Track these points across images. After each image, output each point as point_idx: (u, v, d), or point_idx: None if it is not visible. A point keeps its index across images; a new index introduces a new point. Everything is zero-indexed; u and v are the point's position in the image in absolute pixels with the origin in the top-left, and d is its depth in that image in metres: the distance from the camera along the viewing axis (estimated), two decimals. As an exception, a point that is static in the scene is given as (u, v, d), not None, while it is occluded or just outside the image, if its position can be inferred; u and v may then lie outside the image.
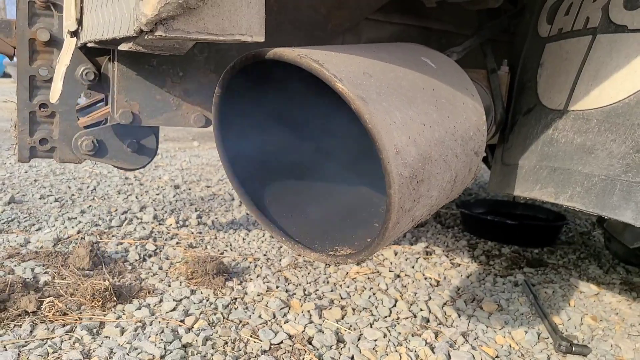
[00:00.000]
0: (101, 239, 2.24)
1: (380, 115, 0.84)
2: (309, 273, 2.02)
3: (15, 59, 1.74)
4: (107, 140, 1.76)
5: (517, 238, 2.51)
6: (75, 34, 1.37)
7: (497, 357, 1.51)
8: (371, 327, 1.63)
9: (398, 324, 1.66)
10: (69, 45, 1.33)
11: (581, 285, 2.07)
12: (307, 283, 1.93)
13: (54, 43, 1.71)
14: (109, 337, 1.46)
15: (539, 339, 1.62)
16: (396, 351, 1.50)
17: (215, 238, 2.37)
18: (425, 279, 2.04)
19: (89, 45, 1.20)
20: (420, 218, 1.01)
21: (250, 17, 0.76)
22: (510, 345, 1.58)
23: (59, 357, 1.34)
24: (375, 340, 1.55)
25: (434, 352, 1.49)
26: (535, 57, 1.47)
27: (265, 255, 2.19)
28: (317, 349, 1.48)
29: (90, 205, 2.76)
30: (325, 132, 1.23)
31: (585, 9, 1.34)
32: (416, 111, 0.93)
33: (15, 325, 1.48)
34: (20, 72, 1.69)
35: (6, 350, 1.35)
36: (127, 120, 1.43)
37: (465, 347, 1.54)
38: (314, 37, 1.55)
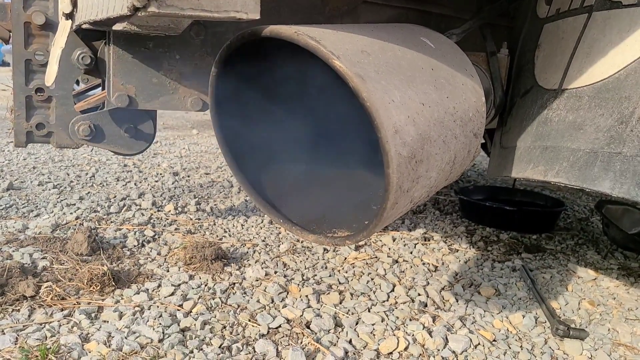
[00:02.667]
0: (100, 225, 2.24)
1: (378, 94, 0.83)
2: (307, 258, 2.03)
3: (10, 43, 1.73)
4: (104, 125, 1.75)
5: (515, 224, 2.51)
6: (70, 16, 1.35)
7: (494, 340, 1.52)
8: (369, 311, 1.63)
9: (396, 308, 1.67)
10: (64, 27, 1.32)
11: (579, 271, 2.07)
12: (306, 268, 1.93)
13: (50, 27, 1.69)
14: (108, 322, 1.46)
15: (536, 323, 1.62)
16: (394, 335, 1.50)
17: (214, 224, 2.37)
18: (424, 264, 2.05)
19: (84, 27, 1.18)
20: (419, 199, 1.00)
21: (245, -7, 0.75)
22: (507, 329, 1.58)
23: (57, 341, 1.34)
24: (373, 325, 1.55)
25: (431, 336, 1.50)
26: (533, 39, 1.45)
27: (263, 241, 2.19)
28: (315, 333, 1.48)
29: (88, 192, 2.75)
30: (323, 113, 1.22)
31: (583, -13, 1.33)
32: (415, 91, 0.92)
33: (13, 310, 1.48)
34: (16, 56, 1.67)
35: (4, 334, 1.35)
36: (123, 103, 1.42)
37: (463, 331, 1.54)
38: (312, 20, 1.54)
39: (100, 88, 1.99)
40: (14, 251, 1.86)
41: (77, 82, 2.15)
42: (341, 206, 1.19)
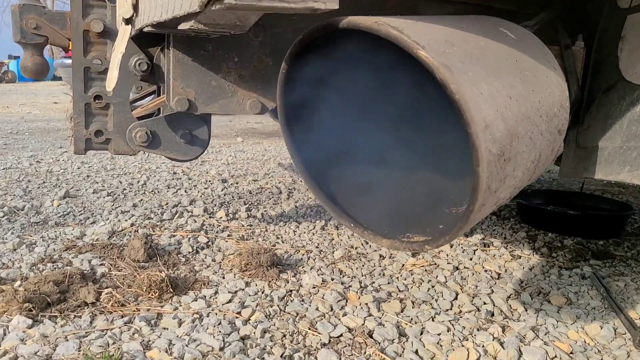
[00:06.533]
0: (154, 231, 2.24)
1: (466, 86, 0.77)
2: (363, 265, 1.97)
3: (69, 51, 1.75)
4: (160, 131, 1.75)
5: (580, 229, 2.38)
6: (129, 21, 1.35)
7: (571, 353, 1.42)
8: (433, 320, 1.56)
9: (461, 317, 1.59)
10: (124, 32, 1.31)
11: (655, 278, 1.93)
12: (362, 275, 1.87)
13: (107, 34, 1.70)
14: (167, 329, 1.44)
15: (615, 334, 1.51)
16: (462, 346, 1.42)
17: (266, 230, 2.35)
18: (485, 271, 1.96)
19: (145, 29, 1.17)
20: (503, 201, 0.93)
21: (323, -18, 0.71)
22: (584, 340, 1.48)
23: (119, 348, 1.33)
24: (438, 335, 1.48)
25: (503, 348, 1.41)
26: (614, 31, 1.36)
27: (317, 247, 2.15)
28: (379, 343, 1.42)
29: (141, 199, 2.78)
30: (392, 115, 1.16)
31: (672, -24, 1.23)
32: (502, 83, 0.85)
33: (75, 316, 1.48)
34: (75, 64, 1.69)
35: (67, 340, 1.35)
36: (183, 107, 1.40)
37: (537, 342, 1.45)
38: (371, 18, 1.49)
39: (155, 95, 2.00)
40: (73, 258, 1.88)
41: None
42: (410, 210, 1.12)
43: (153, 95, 2.16)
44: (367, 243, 2.22)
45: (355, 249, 2.15)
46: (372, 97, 1.14)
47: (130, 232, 2.22)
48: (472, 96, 0.77)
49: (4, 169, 3.50)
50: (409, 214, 1.11)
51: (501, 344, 1.43)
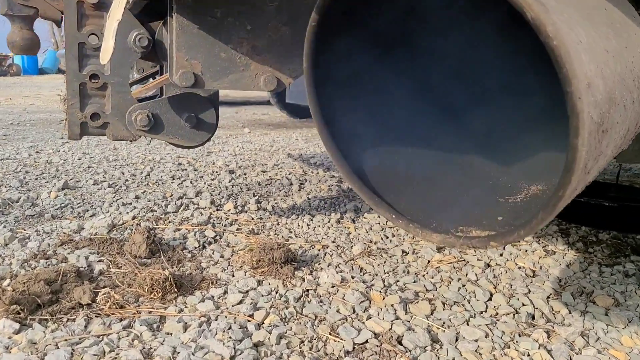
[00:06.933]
0: (157, 225, 2.08)
1: (565, 29, 0.59)
2: (385, 262, 1.80)
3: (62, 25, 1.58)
4: (163, 114, 1.58)
5: (617, 222, 2.20)
6: (127, -15, 1.18)
7: (629, 362, 1.25)
8: (468, 324, 1.39)
9: (498, 320, 1.42)
10: (121, -3, 1.14)
11: None
12: (385, 273, 1.71)
13: (104, 6, 1.53)
14: (171, 334, 1.28)
15: (675, 341, 1.34)
16: (505, 354, 1.25)
17: (278, 224, 2.18)
18: (519, 268, 1.78)
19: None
20: (582, 188, 0.75)
21: None
22: (642, 348, 1.31)
23: (116, 357, 1.17)
24: (476, 341, 1.31)
25: (552, 357, 1.24)
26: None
27: (334, 242, 1.98)
28: (410, 351, 1.26)
29: (144, 191, 2.62)
30: (439, 88, 0.98)
31: None
32: (597, 32, 0.68)
33: (68, 320, 1.32)
34: (69, 39, 1.52)
35: (58, 348, 1.19)
36: (188, 82, 1.23)
37: (589, 350, 1.28)
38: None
39: (158, 75, 1.83)
40: (69, 253, 1.72)
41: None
42: (458, 199, 0.95)
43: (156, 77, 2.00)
44: (388, 237, 2.05)
45: (375, 243, 1.98)
46: (418, 65, 0.96)
47: (132, 225, 2.06)
48: (572, 43, 0.59)
49: (0, 159, 3.35)
50: (457, 203, 0.93)
51: (549, 352, 1.26)
